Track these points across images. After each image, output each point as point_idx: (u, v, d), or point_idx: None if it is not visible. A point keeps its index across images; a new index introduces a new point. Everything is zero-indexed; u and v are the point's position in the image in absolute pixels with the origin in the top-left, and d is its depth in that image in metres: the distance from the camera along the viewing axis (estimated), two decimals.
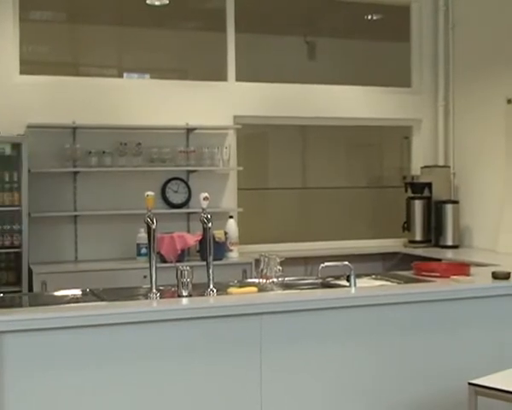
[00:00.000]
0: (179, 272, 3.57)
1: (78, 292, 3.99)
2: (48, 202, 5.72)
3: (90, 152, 5.79)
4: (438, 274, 4.20)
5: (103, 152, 5.82)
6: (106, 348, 3.24)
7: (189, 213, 6.13)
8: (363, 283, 4.13)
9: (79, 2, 6.21)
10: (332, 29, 6.98)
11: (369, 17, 7.12)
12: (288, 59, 6.72)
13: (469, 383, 3.14)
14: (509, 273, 4.10)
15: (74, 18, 6.29)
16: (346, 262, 3.91)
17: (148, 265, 3.61)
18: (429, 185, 6.66)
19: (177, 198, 6.10)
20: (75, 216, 5.85)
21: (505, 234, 6.00)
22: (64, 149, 5.73)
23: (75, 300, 3.85)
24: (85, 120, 5.78)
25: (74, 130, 5.81)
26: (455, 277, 4.08)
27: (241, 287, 3.83)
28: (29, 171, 5.42)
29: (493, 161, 6.29)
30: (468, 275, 4.19)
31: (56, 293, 4.08)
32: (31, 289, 5.22)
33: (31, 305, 4.07)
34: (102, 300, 3.70)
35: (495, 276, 4.11)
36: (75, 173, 5.83)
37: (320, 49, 6.92)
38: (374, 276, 4.42)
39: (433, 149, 6.95)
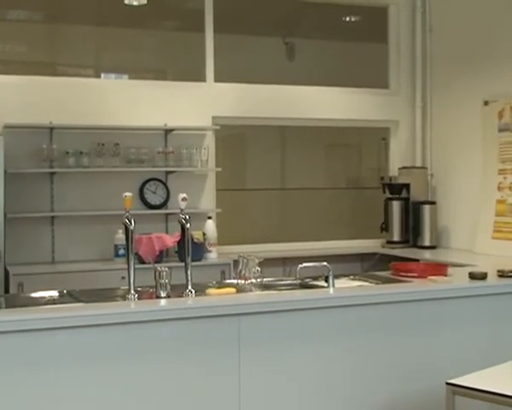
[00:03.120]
0: (157, 273, 3.56)
1: (55, 293, 3.96)
2: (25, 203, 5.67)
3: (68, 152, 5.75)
4: (415, 274, 4.23)
5: (81, 152, 5.78)
6: (83, 350, 3.22)
7: (167, 214, 6.11)
8: (342, 283, 4.14)
9: (57, 2, 6.17)
10: (310, 30, 6.99)
11: (348, 19, 7.14)
12: (267, 60, 6.72)
13: (447, 383, 3.15)
14: (485, 274, 4.14)
15: (51, 17, 6.25)
16: (325, 263, 3.92)
17: (126, 266, 3.59)
18: (407, 186, 6.69)
19: (155, 199, 6.08)
20: (52, 217, 5.81)
21: (482, 234, 6.04)
22: (41, 149, 5.69)
23: (52, 301, 3.82)
24: (62, 121, 5.73)
25: (51, 130, 5.77)
26: (432, 277, 4.10)
27: (219, 288, 3.83)
28: (5, 171, 5.36)
29: (470, 162, 6.33)
30: (445, 275, 4.22)
31: (33, 294, 4.04)
32: (7, 290, 5.17)
33: (7, 307, 4.03)
34: (80, 301, 3.68)
35: (472, 276, 4.14)
36: (52, 174, 5.79)
37: (299, 51, 6.93)
38: (352, 276, 4.43)
39: (410, 150, 6.99)
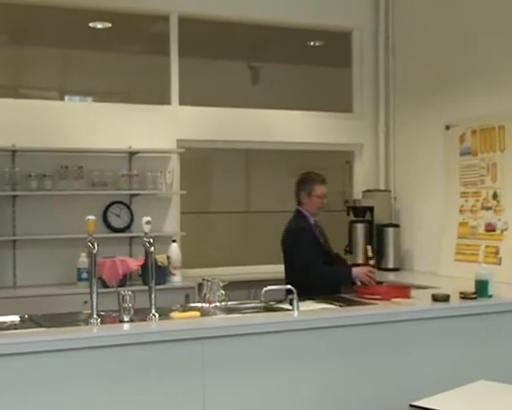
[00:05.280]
0: (121, 297, 3.53)
1: (16, 318, 3.90)
2: None
3: (30, 175, 5.69)
4: (379, 297, 4.26)
5: (44, 175, 5.72)
6: (44, 376, 3.17)
7: (131, 238, 6.06)
8: (306, 306, 4.14)
9: (21, 24, 6.13)
10: (275, 54, 7.04)
11: (312, 43, 7.20)
12: (232, 84, 6.75)
13: (410, 405, 3.16)
14: (448, 295, 4.18)
15: (15, 39, 6.22)
16: (289, 286, 3.92)
17: (88, 290, 3.55)
18: (371, 209, 6.73)
19: (119, 222, 6.04)
20: (14, 241, 5.73)
21: (445, 257, 6.10)
22: (3, 172, 5.63)
23: (13, 326, 3.77)
24: (25, 143, 5.67)
25: (14, 153, 5.71)
26: (396, 299, 4.13)
27: (183, 311, 3.81)
28: None
29: (433, 186, 6.40)
30: (408, 297, 4.26)
31: None
32: None
33: None
34: (42, 326, 3.63)
35: (435, 298, 4.18)
36: (14, 197, 5.72)
37: (263, 75, 6.97)
38: (316, 299, 4.44)
39: (374, 173, 7.05)
